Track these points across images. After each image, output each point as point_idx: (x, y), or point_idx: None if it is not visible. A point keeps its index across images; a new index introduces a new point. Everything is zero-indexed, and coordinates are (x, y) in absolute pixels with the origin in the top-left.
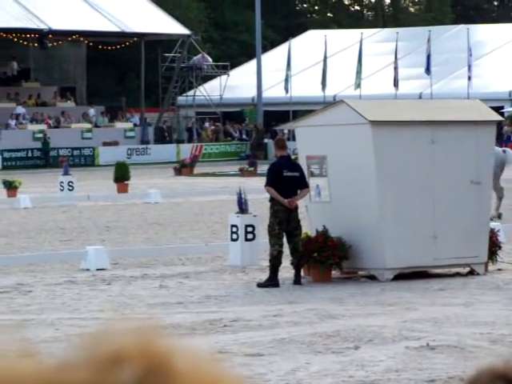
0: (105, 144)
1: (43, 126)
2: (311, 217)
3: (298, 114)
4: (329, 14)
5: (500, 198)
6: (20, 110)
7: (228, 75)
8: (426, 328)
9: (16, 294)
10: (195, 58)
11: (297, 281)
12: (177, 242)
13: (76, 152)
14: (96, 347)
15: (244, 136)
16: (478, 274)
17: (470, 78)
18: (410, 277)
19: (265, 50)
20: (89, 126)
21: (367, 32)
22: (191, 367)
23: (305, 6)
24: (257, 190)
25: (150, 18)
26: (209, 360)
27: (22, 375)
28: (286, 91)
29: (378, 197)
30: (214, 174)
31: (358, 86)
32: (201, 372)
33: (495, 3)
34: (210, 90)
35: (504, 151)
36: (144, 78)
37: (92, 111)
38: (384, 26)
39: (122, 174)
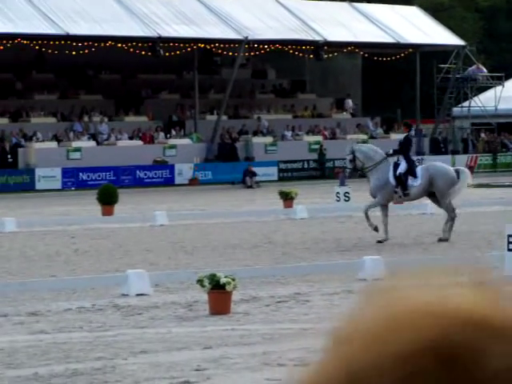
0: None
1: (319, 138)
2: None
3: None
4: None
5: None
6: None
7: (503, 86)
8: None
9: (294, 304)
10: (470, 68)
11: None
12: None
13: None
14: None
15: None
16: None
17: None
18: None
19: None
20: (365, 137)
21: None
22: None
23: None
24: None
25: (425, 29)
26: None
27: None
28: None
29: None
30: (489, 185)
31: None
32: None
33: None
34: (485, 101)
35: (457, 171)
36: (419, 89)
37: (370, 123)
38: None
39: None
